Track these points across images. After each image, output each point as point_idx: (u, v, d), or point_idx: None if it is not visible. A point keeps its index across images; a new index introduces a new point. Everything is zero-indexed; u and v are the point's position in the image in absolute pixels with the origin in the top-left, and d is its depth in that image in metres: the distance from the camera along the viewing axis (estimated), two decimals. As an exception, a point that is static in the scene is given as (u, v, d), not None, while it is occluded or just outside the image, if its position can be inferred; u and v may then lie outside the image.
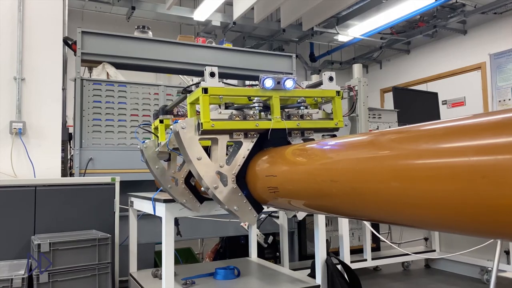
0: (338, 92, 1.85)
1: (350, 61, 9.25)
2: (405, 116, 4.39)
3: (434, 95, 5.57)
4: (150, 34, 4.30)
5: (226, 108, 1.72)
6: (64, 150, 3.62)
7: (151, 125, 2.52)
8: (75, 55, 3.54)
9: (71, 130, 3.55)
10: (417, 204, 0.86)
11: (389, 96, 8.24)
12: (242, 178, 1.65)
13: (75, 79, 3.44)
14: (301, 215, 2.33)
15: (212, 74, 1.68)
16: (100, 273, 2.54)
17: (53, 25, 3.46)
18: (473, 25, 7.51)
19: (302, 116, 1.79)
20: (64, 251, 2.45)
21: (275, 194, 1.45)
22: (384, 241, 3.84)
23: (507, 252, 3.44)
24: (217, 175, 1.61)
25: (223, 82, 1.73)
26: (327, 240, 3.71)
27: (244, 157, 1.66)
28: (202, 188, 1.65)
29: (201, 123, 1.61)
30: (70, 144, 3.68)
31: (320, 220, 2.55)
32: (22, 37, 3.31)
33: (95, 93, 3.47)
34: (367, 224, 3.80)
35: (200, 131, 1.62)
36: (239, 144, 1.70)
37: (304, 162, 1.34)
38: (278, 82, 1.73)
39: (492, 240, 3.23)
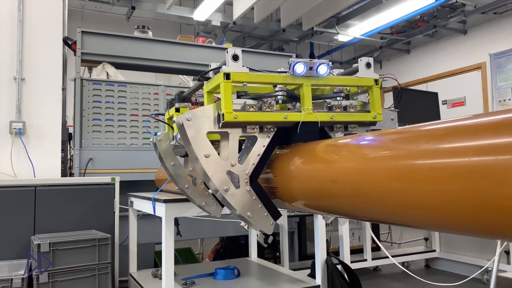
0: (376, 81, 1.60)
1: (350, 61, 9.24)
2: (405, 116, 4.39)
3: (434, 95, 5.57)
4: (150, 34, 4.30)
5: (238, 97, 1.48)
6: (64, 150, 3.61)
7: (163, 114, 2.24)
8: (75, 55, 3.54)
9: (71, 130, 3.55)
10: (418, 204, 0.86)
11: (389, 96, 8.23)
12: (256, 179, 1.42)
13: (75, 79, 3.43)
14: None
15: (235, 57, 1.42)
16: (100, 273, 2.54)
17: (53, 25, 3.46)
18: (473, 25, 7.50)
19: (345, 108, 1.55)
20: (64, 251, 2.45)
21: (274, 194, 1.45)
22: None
23: (507, 252, 3.44)
24: (227, 175, 1.37)
25: (247, 67, 1.47)
26: (327, 240, 3.70)
27: (259, 155, 1.41)
28: (210, 190, 1.45)
29: (223, 114, 1.36)
30: (70, 144, 3.68)
31: (320, 220, 2.55)
32: (22, 37, 3.31)
33: (95, 93, 3.47)
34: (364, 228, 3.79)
35: (221, 124, 1.37)
36: (253, 140, 1.45)
37: (304, 162, 1.34)
38: (311, 68, 1.48)
39: (492, 241, 3.23)
